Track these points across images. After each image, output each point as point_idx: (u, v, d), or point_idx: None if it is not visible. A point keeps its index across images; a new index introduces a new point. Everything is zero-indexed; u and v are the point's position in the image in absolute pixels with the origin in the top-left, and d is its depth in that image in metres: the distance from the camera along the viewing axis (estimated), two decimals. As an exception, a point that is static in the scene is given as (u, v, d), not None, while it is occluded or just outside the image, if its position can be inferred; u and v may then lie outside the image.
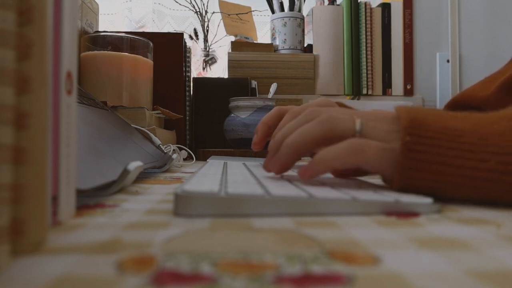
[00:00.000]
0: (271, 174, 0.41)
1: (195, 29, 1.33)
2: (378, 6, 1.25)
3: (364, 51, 1.22)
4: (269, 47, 1.20)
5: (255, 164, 0.58)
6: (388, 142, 0.31)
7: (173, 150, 0.73)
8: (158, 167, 0.53)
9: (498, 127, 0.29)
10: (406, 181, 0.30)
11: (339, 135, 0.32)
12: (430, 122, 0.30)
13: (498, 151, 0.28)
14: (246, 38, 1.27)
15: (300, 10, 1.24)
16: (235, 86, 1.08)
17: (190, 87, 1.09)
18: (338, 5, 1.24)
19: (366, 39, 1.22)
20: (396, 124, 0.32)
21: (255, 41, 1.30)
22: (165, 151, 0.64)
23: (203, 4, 1.31)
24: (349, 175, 0.41)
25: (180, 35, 1.03)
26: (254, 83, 1.12)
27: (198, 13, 1.31)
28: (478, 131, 0.29)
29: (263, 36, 1.47)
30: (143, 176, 0.49)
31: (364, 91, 1.22)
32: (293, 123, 0.36)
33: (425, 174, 0.29)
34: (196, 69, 1.28)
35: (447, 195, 0.30)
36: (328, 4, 1.25)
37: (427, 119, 0.31)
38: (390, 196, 0.27)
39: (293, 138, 0.34)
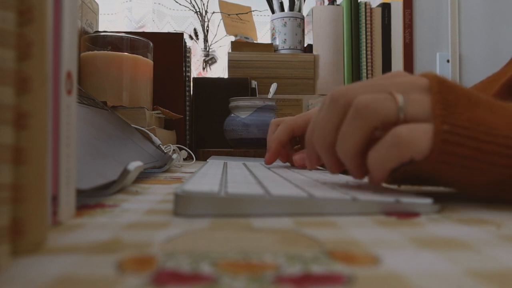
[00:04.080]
0: (271, 174, 0.41)
1: (195, 29, 1.33)
2: (378, 6, 1.25)
3: (364, 51, 1.22)
4: (269, 47, 1.20)
5: (255, 164, 0.58)
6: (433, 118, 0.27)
7: (173, 150, 0.73)
8: (158, 167, 0.53)
9: None
10: (436, 173, 0.28)
11: (382, 122, 0.28)
12: (463, 109, 0.27)
13: None
14: (246, 38, 1.27)
15: (300, 10, 1.24)
16: (235, 86, 1.08)
17: (190, 87, 1.09)
18: (338, 5, 1.24)
19: (366, 39, 1.22)
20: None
21: (255, 41, 1.30)
22: (165, 151, 0.64)
23: (203, 4, 1.31)
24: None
25: (180, 35, 1.03)
26: (254, 83, 1.12)
27: (198, 13, 1.31)
28: (511, 123, 0.27)
29: (263, 36, 1.47)
30: (143, 176, 0.49)
31: (364, 91, 1.22)
32: (324, 120, 0.31)
33: (455, 168, 0.27)
34: (196, 69, 1.28)
35: (468, 186, 0.29)
36: (328, 4, 1.25)
37: (459, 104, 0.27)
38: (390, 196, 0.27)
39: (341, 147, 0.30)
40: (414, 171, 0.30)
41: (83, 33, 0.89)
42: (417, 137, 0.27)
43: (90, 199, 0.30)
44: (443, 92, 0.28)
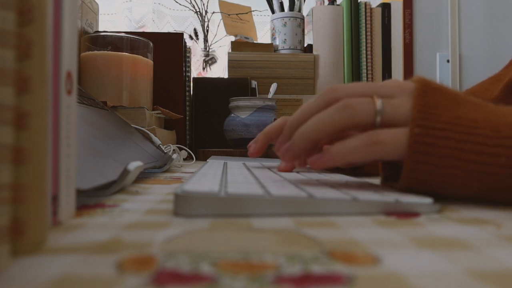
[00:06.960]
0: (271, 174, 0.41)
1: (195, 29, 1.33)
2: (378, 6, 1.25)
3: (364, 51, 1.22)
4: (269, 47, 1.20)
5: (255, 164, 0.58)
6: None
7: (173, 150, 0.73)
8: (158, 167, 0.53)
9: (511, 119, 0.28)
10: (413, 175, 0.29)
11: (359, 123, 0.31)
12: (442, 110, 0.29)
13: (511, 144, 0.27)
14: (246, 38, 1.27)
15: (300, 10, 1.24)
16: (235, 86, 1.08)
17: (190, 87, 1.09)
18: (338, 5, 1.24)
19: (366, 39, 1.22)
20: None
21: (255, 41, 1.30)
22: (165, 151, 0.64)
23: (203, 4, 1.31)
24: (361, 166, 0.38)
25: (180, 35, 1.03)
26: (254, 83, 1.12)
27: (198, 13, 1.31)
28: (491, 121, 0.28)
29: (263, 36, 1.47)
30: (143, 176, 0.49)
31: (364, 91, 1.22)
32: (309, 107, 0.34)
33: (433, 168, 0.28)
34: (196, 69, 1.28)
35: (452, 190, 0.29)
36: (328, 4, 1.25)
37: (439, 105, 0.29)
38: (390, 196, 0.27)
39: (308, 126, 0.32)
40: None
41: (83, 33, 0.89)
42: (392, 138, 0.29)
43: (90, 199, 0.30)
44: (425, 95, 0.30)
